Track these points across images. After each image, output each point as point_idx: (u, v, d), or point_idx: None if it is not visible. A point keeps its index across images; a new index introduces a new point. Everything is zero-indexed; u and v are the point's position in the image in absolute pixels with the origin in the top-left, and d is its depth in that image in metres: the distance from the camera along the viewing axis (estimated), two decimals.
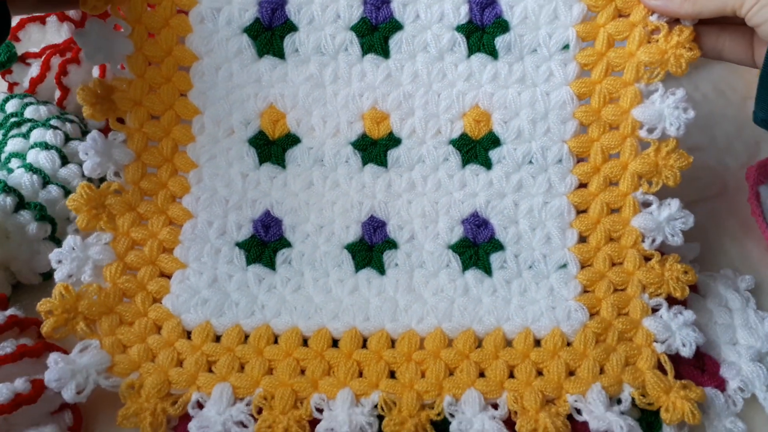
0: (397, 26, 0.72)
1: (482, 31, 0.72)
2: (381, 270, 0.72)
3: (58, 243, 0.72)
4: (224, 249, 0.72)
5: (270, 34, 0.73)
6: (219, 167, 0.74)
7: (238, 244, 0.72)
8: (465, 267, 0.72)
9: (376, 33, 0.73)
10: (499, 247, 0.73)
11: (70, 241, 0.69)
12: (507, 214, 0.73)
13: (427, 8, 0.72)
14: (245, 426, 0.61)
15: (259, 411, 0.62)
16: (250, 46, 0.73)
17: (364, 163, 0.74)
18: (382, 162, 0.74)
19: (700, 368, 0.68)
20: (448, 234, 0.73)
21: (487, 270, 0.72)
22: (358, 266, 0.72)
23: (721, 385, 0.68)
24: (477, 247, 0.73)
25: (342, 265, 0.72)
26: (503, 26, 0.72)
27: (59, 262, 0.68)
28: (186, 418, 0.62)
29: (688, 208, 0.76)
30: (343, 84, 0.74)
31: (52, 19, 0.89)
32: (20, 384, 0.58)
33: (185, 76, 0.73)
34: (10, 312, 0.65)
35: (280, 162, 0.74)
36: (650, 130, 0.71)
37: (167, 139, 0.73)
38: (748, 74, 1.04)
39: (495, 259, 0.72)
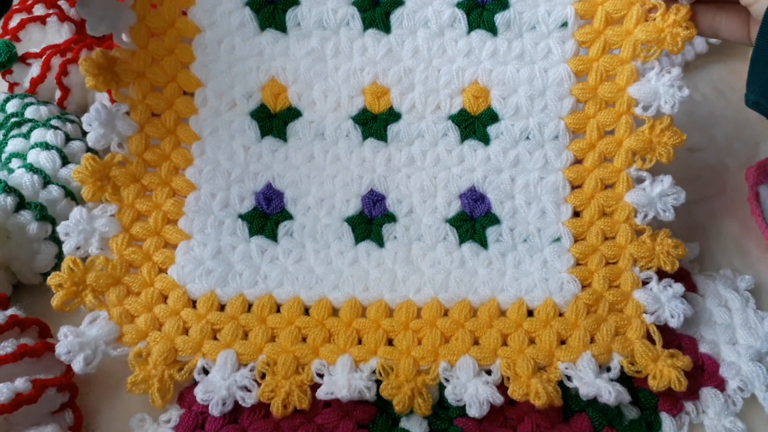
0: (399, 1, 0.73)
1: (482, 8, 0.73)
2: (380, 242, 0.73)
3: (59, 243, 0.72)
4: (227, 221, 0.73)
5: (272, 7, 0.73)
6: (221, 140, 0.74)
7: (241, 216, 0.74)
8: (462, 240, 0.73)
9: (377, 8, 0.73)
10: (495, 221, 0.74)
11: (76, 213, 0.69)
12: (503, 188, 0.75)
13: None
14: (249, 390, 0.63)
15: (263, 376, 0.64)
16: (252, 19, 0.73)
17: (365, 137, 0.75)
18: (382, 137, 0.75)
19: (699, 367, 0.69)
20: (446, 208, 0.75)
21: (483, 243, 0.73)
22: (358, 239, 0.73)
23: (720, 384, 0.68)
24: (474, 221, 0.74)
25: (342, 238, 0.73)
26: (503, 3, 0.73)
27: (66, 234, 0.69)
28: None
29: (687, 207, 0.78)
30: (344, 58, 0.74)
31: (52, 20, 0.89)
32: (21, 384, 0.58)
33: (188, 48, 0.73)
34: (10, 312, 0.65)
35: (282, 135, 0.75)
36: (645, 108, 0.72)
37: (170, 111, 0.74)
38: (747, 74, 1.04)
39: (491, 232, 0.74)
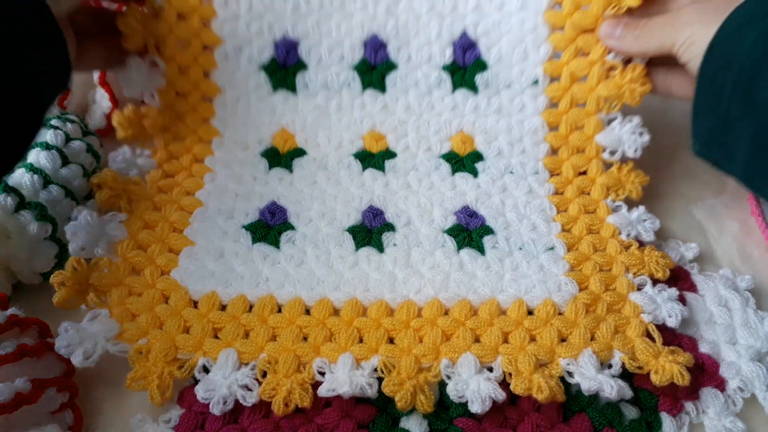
0: (392, 66, 0.86)
1: (464, 70, 0.86)
2: (380, 248, 0.75)
3: (59, 243, 0.73)
4: (231, 230, 0.75)
5: (284, 71, 0.85)
6: (232, 170, 0.81)
7: (245, 227, 0.76)
8: (459, 247, 0.75)
9: (374, 72, 0.86)
10: (490, 231, 0.77)
11: (86, 215, 0.72)
12: (495, 208, 0.80)
13: (418, 51, 0.85)
14: (250, 389, 0.62)
15: (264, 375, 0.64)
16: (266, 82, 0.85)
17: (364, 168, 0.83)
18: (380, 168, 0.83)
19: (699, 367, 0.69)
20: (443, 221, 0.78)
21: (480, 249, 0.75)
22: (358, 245, 0.75)
23: (720, 384, 0.68)
24: (470, 231, 0.77)
25: (343, 245, 0.75)
26: (482, 65, 0.85)
27: (74, 234, 0.71)
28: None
29: (687, 207, 0.86)
30: (346, 112, 0.85)
31: None
32: (21, 384, 0.58)
33: (209, 105, 0.85)
34: (10, 312, 0.65)
35: (288, 167, 0.83)
36: (612, 153, 0.83)
37: (188, 155, 0.82)
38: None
39: (487, 240, 0.76)
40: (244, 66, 0.83)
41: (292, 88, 0.85)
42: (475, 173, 0.83)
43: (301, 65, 0.85)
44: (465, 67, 0.85)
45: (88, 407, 0.65)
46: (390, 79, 0.85)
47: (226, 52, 0.83)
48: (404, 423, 0.64)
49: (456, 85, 0.86)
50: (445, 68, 0.85)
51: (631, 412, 0.66)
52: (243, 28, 0.83)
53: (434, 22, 0.84)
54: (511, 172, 0.83)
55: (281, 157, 0.83)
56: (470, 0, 0.83)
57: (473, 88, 0.86)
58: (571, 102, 0.84)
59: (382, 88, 0.86)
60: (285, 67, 0.84)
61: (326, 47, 0.84)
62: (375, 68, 0.85)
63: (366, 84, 0.85)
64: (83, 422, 0.63)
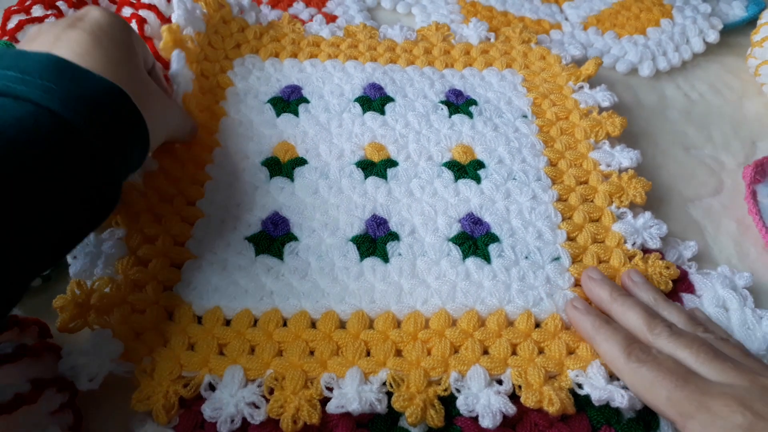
0: (390, 99, 0.92)
1: (457, 106, 0.93)
2: (385, 258, 0.74)
3: None
4: (234, 242, 0.74)
5: (287, 104, 0.90)
6: (233, 179, 0.80)
7: (247, 238, 0.75)
8: (465, 255, 0.75)
9: (373, 103, 0.91)
10: (495, 239, 0.77)
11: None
12: (500, 214, 0.80)
13: (411, 87, 0.95)
14: (257, 407, 0.61)
15: (271, 392, 0.63)
16: (270, 109, 0.89)
17: (366, 176, 0.82)
18: (383, 176, 0.82)
19: None
20: (447, 229, 0.77)
21: (486, 258, 0.75)
22: (363, 255, 0.74)
23: None
24: (475, 239, 0.77)
25: (347, 255, 0.74)
26: (473, 102, 0.94)
27: (74, 258, 0.70)
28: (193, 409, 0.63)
29: (684, 206, 0.86)
30: (347, 129, 0.87)
31: (50, 21, 0.88)
32: (20, 384, 0.57)
33: (214, 124, 0.86)
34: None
35: (289, 176, 0.81)
36: (608, 165, 0.87)
37: (188, 163, 0.81)
38: (744, 73, 1.08)
39: (493, 249, 0.76)
40: (250, 99, 0.90)
41: (295, 113, 0.89)
42: (478, 180, 0.83)
43: (304, 100, 0.91)
44: (458, 105, 0.93)
45: (88, 407, 0.63)
46: (388, 107, 0.91)
47: (236, 92, 0.91)
48: (403, 422, 0.63)
49: (452, 113, 0.92)
50: (441, 102, 0.93)
51: (628, 411, 0.65)
52: (254, 80, 0.93)
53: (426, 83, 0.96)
54: (514, 179, 0.84)
55: (282, 166, 0.83)
56: (456, 73, 0.99)
57: (469, 115, 0.92)
58: (561, 131, 0.91)
59: (381, 113, 0.90)
60: (288, 101, 0.90)
61: (328, 90, 0.92)
62: (374, 101, 0.92)
63: (366, 109, 0.90)
64: (83, 423, 0.62)
